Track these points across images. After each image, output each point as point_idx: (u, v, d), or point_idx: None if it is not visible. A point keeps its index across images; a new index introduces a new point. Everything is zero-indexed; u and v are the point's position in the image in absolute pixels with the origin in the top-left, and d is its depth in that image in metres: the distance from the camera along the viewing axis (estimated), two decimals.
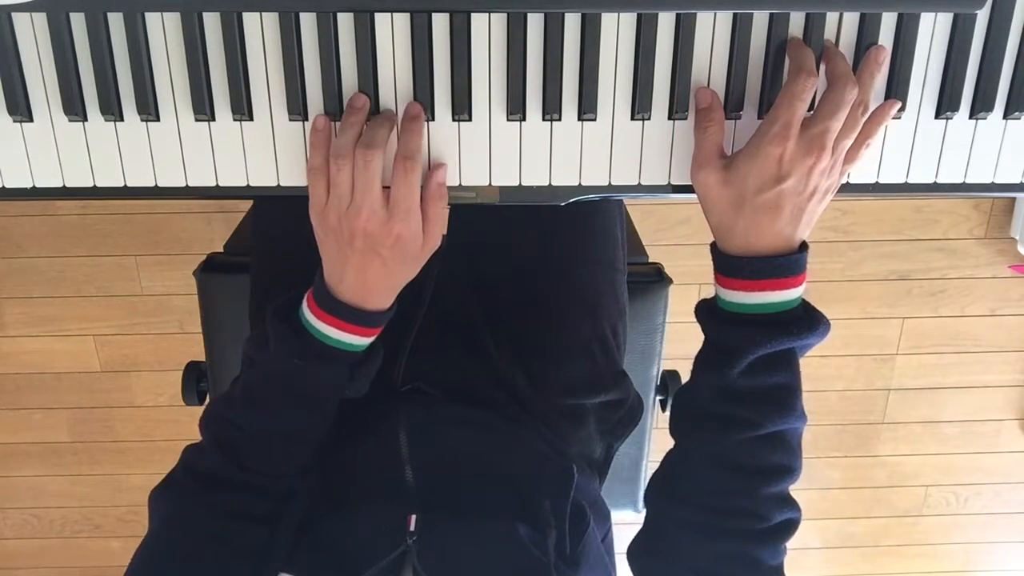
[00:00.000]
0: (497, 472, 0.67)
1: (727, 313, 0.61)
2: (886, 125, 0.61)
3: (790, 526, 0.63)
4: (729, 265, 0.60)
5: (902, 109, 0.62)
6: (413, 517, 0.60)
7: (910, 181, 0.65)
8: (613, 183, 0.64)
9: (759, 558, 0.62)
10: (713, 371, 0.62)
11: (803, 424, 0.62)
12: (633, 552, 0.68)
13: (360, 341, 0.64)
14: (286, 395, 0.64)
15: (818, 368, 1.88)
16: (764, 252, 0.59)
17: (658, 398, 1.07)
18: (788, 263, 0.59)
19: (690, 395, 0.66)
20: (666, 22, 0.60)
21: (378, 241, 0.59)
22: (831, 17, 0.60)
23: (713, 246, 0.63)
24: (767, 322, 0.59)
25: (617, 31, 0.60)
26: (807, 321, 0.60)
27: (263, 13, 0.59)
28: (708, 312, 0.64)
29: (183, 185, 0.64)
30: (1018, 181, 0.65)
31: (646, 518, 0.68)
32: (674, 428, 0.68)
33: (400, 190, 0.58)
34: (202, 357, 1.05)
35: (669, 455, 0.68)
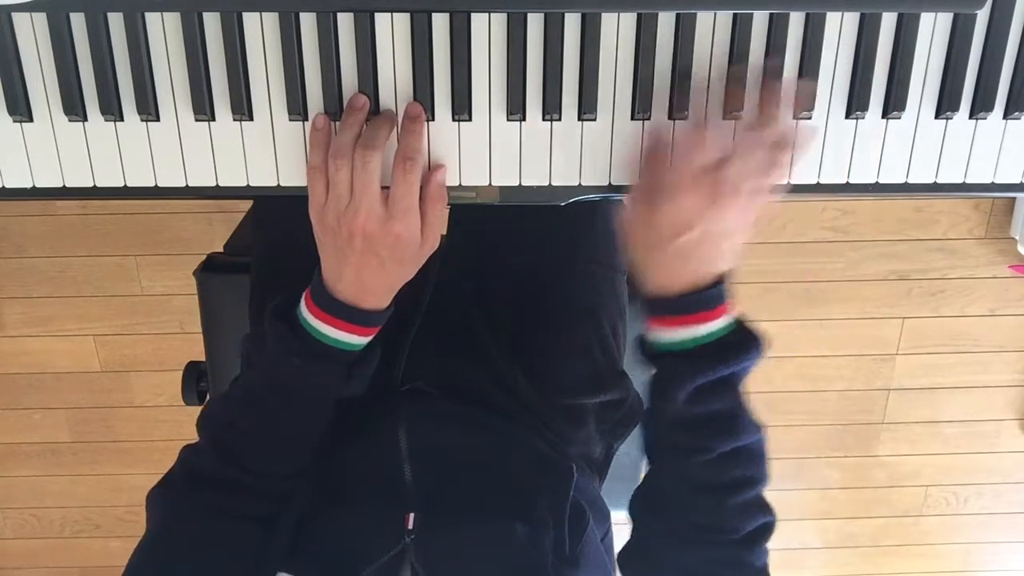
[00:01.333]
0: (496, 471, 0.67)
1: (659, 351, 0.63)
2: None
3: (765, 530, 0.64)
4: (651, 306, 0.62)
5: (901, 110, 0.62)
6: (411, 516, 0.60)
7: (910, 181, 0.65)
8: (613, 183, 0.64)
9: (744, 560, 0.63)
10: (660, 403, 0.64)
11: (760, 435, 0.63)
12: (624, 559, 0.69)
13: (357, 340, 0.64)
14: (283, 394, 0.64)
15: (818, 368, 1.88)
16: (681, 291, 0.60)
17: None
18: (704, 299, 0.60)
19: (649, 423, 0.68)
20: (666, 22, 0.60)
21: (376, 241, 0.58)
22: (831, 17, 0.60)
23: (637, 288, 0.64)
24: (697, 354, 0.61)
25: (617, 31, 0.60)
26: (737, 347, 0.61)
27: (263, 13, 0.59)
28: (644, 349, 0.65)
29: (183, 185, 0.64)
30: (1018, 181, 0.65)
31: (633, 528, 0.70)
32: (645, 450, 0.70)
33: (399, 190, 0.58)
34: (202, 357, 1.05)
35: (648, 470, 0.70)
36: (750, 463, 0.63)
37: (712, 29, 0.60)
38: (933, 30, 0.61)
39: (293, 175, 0.64)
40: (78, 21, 0.59)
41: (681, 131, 0.58)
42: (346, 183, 0.57)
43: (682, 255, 0.58)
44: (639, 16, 0.60)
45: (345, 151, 0.57)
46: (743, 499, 0.63)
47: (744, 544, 0.63)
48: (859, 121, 0.63)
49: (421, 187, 0.60)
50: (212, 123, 0.62)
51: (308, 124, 0.62)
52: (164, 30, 0.60)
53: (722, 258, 0.60)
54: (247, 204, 1.17)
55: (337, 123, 0.61)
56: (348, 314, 0.62)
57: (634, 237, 0.61)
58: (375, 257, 0.59)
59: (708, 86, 0.60)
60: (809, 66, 0.61)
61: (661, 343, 0.62)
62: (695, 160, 0.56)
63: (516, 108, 0.61)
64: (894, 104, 0.62)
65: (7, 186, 0.64)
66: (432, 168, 0.62)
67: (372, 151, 0.57)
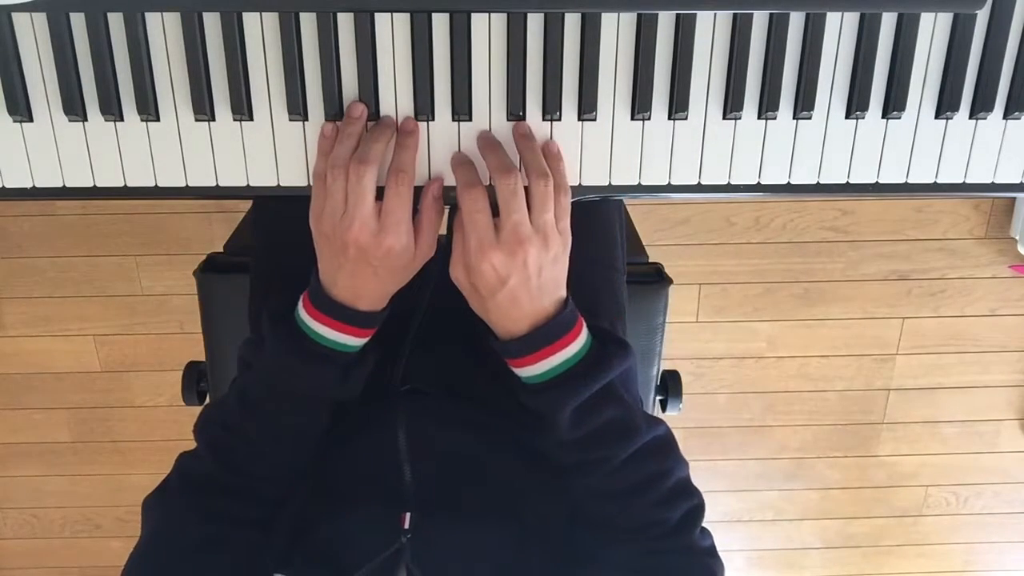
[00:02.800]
0: (495, 471, 0.67)
1: (531, 386, 0.63)
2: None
3: (694, 513, 0.64)
4: (504, 350, 0.63)
5: (901, 110, 0.62)
6: (408, 515, 0.60)
7: (910, 181, 0.65)
8: (613, 183, 0.64)
9: (681, 547, 0.63)
10: (548, 434, 0.64)
11: (658, 429, 0.64)
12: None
13: (353, 342, 0.64)
14: (280, 396, 0.64)
15: (818, 368, 1.88)
16: (528, 329, 0.61)
17: (658, 398, 1.07)
18: (551, 329, 0.61)
19: (543, 450, 0.67)
20: (666, 22, 0.60)
21: (368, 252, 0.59)
22: (831, 17, 0.60)
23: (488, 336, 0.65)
24: (564, 379, 0.61)
25: (617, 31, 0.60)
26: (600, 360, 0.62)
27: (263, 13, 0.59)
28: (517, 387, 0.65)
29: (183, 185, 0.64)
30: (1018, 181, 0.65)
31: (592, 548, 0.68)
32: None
33: (391, 204, 0.59)
34: (202, 357, 1.05)
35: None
36: (655, 458, 0.63)
37: (712, 29, 0.60)
38: (933, 30, 0.61)
39: (293, 175, 0.64)
40: (78, 21, 0.59)
41: (459, 196, 0.60)
42: (342, 194, 0.58)
43: (511, 302, 0.60)
44: (639, 16, 0.60)
45: (342, 163, 0.59)
46: (660, 493, 0.63)
47: (677, 533, 0.63)
48: (859, 121, 0.63)
49: (417, 199, 0.61)
50: (212, 123, 0.62)
51: (308, 124, 0.62)
52: (164, 30, 0.60)
53: (551, 289, 0.61)
54: (247, 204, 1.17)
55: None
56: (344, 315, 0.62)
57: (467, 297, 0.62)
58: (368, 267, 0.60)
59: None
60: (809, 66, 0.61)
61: (530, 379, 0.63)
62: (479, 223, 0.58)
63: (516, 108, 0.61)
64: (894, 104, 0.62)
65: (7, 186, 0.64)
66: (430, 180, 0.62)
67: (366, 166, 0.58)
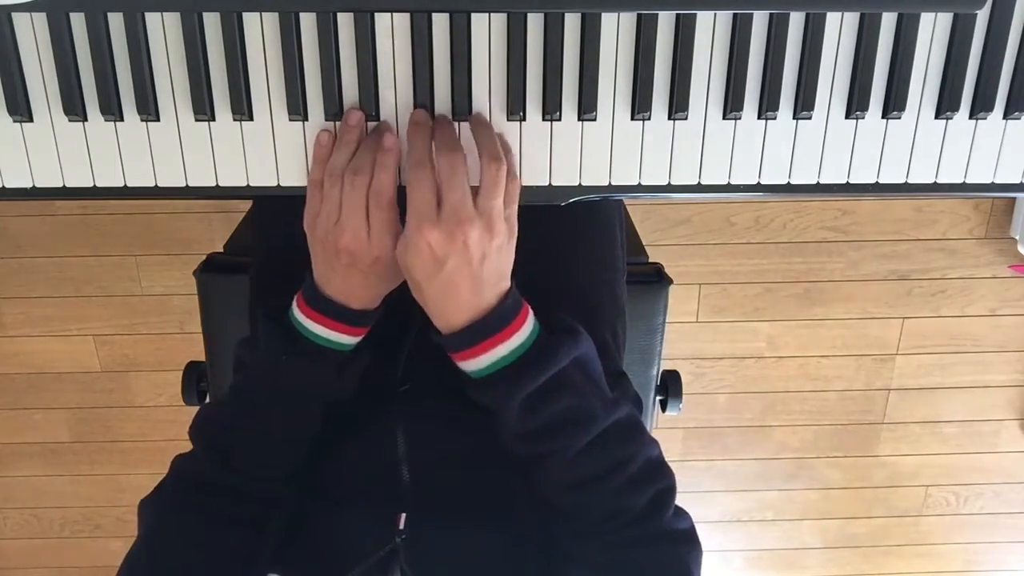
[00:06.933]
0: (491, 472, 0.67)
1: (477, 380, 0.61)
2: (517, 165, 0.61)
3: (663, 496, 0.61)
4: (447, 343, 0.60)
5: (901, 110, 0.62)
6: (403, 516, 0.60)
7: (910, 181, 0.65)
8: (613, 183, 0.64)
9: (655, 532, 0.60)
10: (500, 427, 0.62)
11: (617, 412, 0.61)
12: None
13: (347, 340, 0.64)
14: (274, 394, 0.65)
15: (818, 368, 1.88)
16: (468, 321, 0.58)
17: (658, 398, 1.07)
18: (492, 320, 0.58)
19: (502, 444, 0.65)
20: (666, 22, 0.60)
21: (359, 260, 0.60)
22: (831, 17, 0.60)
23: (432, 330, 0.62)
24: (512, 370, 0.59)
25: (617, 31, 0.60)
26: (548, 349, 0.59)
27: (263, 13, 0.59)
28: (466, 383, 0.62)
29: (183, 185, 0.64)
30: (1018, 181, 0.65)
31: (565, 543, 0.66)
32: None
33: (374, 219, 0.59)
34: (202, 357, 1.05)
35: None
36: (615, 444, 0.60)
37: (712, 29, 0.60)
38: (933, 30, 0.61)
39: (293, 175, 0.64)
40: (78, 21, 0.59)
41: (409, 170, 0.58)
42: (337, 201, 0.59)
43: (449, 288, 0.57)
44: (639, 16, 0.60)
45: (338, 171, 0.59)
46: (623, 479, 0.60)
47: (646, 519, 0.60)
48: (859, 121, 0.63)
49: None
50: (212, 123, 0.62)
51: (308, 124, 0.62)
52: (164, 30, 0.60)
53: (493, 281, 0.58)
54: (247, 204, 1.17)
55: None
56: (338, 313, 0.63)
57: (410, 284, 0.60)
58: (358, 272, 0.61)
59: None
60: (809, 66, 0.61)
61: (475, 373, 0.60)
62: (416, 200, 0.56)
63: (516, 108, 0.61)
64: (894, 104, 0.62)
65: (7, 186, 0.64)
66: None
67: (360, 177, 0.58)
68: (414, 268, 0.57)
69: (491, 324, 0.59)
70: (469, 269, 0.57)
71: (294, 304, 0.64)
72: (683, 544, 0.60)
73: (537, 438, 0.60)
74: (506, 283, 0.60)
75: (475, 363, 0.60)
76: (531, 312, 0.61)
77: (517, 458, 0.63)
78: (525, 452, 0.62)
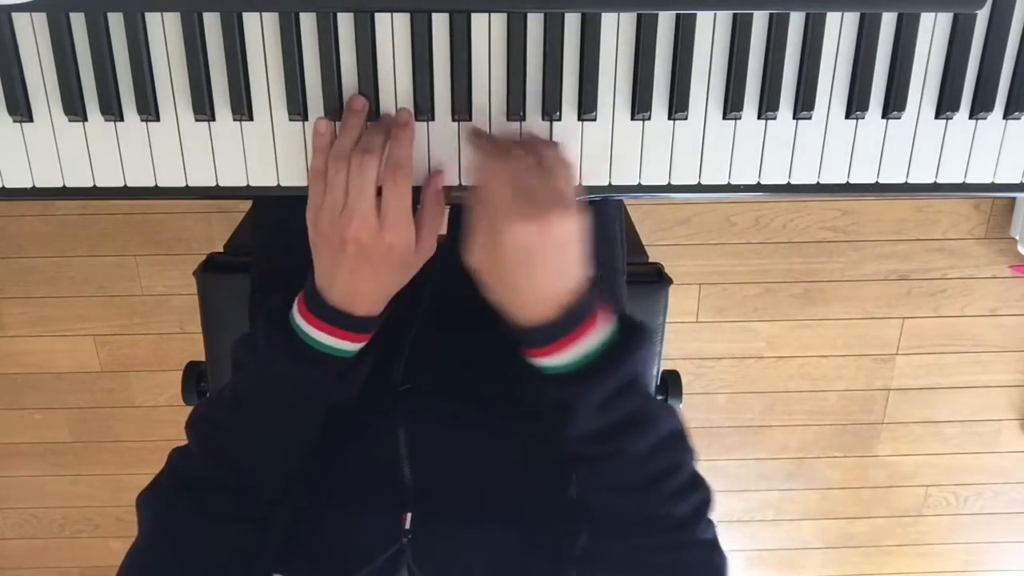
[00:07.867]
0: (495, 471, 0.67)
1: (552, 377, 0.59)
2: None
3: (703, 507, 0.61)
4: (526, 339, 0.59)
5: (901, 110, 0.62)
6: (408, 515, 0.60)
7: (910, 181, 0.65)
8: (613, 183, 0.64)
9: (689, 540, 0.60)
10: (566, 427, 0.60)
11: (671, 418, 0.61)
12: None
13: (349, 347, 0.63)
14: (274, 398, 0.64)
15: (818, 368, 1.88)
16: (550, 315, 0.57)
17: (658, 398, 1.07)
18: (575, 314, 0.57)
19: (555, 442, 0.64)
20: (666, 22, 0.60)
21: (369, 249, 0.58)
22: (831, 17, 0.60)
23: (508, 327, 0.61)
24: (590, 369, 0.58)
25: (617, 31, 0.60)
26: (624, 348, 0.58)
27: (263, 13, 0.59)
28: (537, 378, 0.61)
29: (183, 185, 0.64)
30: (1018, 181, 0.65)
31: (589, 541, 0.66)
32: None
33: (390, 199, 0.57)
34: (202, 357, 1.05)
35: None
36: (669, 450, 0.60)
37: (712, 29, 0.60)
38: (933, 30, 0.61)
39: (293, 175, 0.64)
40: (78, 21, 0.59)
41: (481, 167, 0.58)
42: (343, 187, 0.57)
43: (534, 281, 0.56)
44: (639, 16, 0.60)
45: (344, 155, 0.57)
46: (673, 487, 0.60)
47: (683, 527, 0.60)
48: (859, 121, 0.63)
49: (418, 194, 0.60)
50: (212, 123, 0.62)
51: (308, 124, 0.62)
52: (164, 30, 0.60)
53: (570, 269, 0.57)
54: (247, 204, 1.17)
55: (339, 123, 0.61)
56: (341, 320, 0.61)
57: (488, 280, 0.59)
58: (368, 264, 0.59)
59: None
60: (809, 66, 0.61)
61: (549, 370, 0.59)
62: (503, 194, 0.55)
63: (516, 108, 0.61)
64: (894, 104, 0.62)
65: (7, 186, 0.64)
66: (430, 175, 0.62)
67: (369, 156, 0.56)
68: (501, 263, 0.56)
69: (575, 316, 0.57)
70: (553, 256, 0.56)
71: (295, 309, 0.63)
72: (714, 550, 0.60)
73: (606, 438, 0.59)
74: (580, 276, 0.58)
75: (557, 358, 0.58)
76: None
77: (570, 457, 0.62)
78: (587, 453, 0.61)
